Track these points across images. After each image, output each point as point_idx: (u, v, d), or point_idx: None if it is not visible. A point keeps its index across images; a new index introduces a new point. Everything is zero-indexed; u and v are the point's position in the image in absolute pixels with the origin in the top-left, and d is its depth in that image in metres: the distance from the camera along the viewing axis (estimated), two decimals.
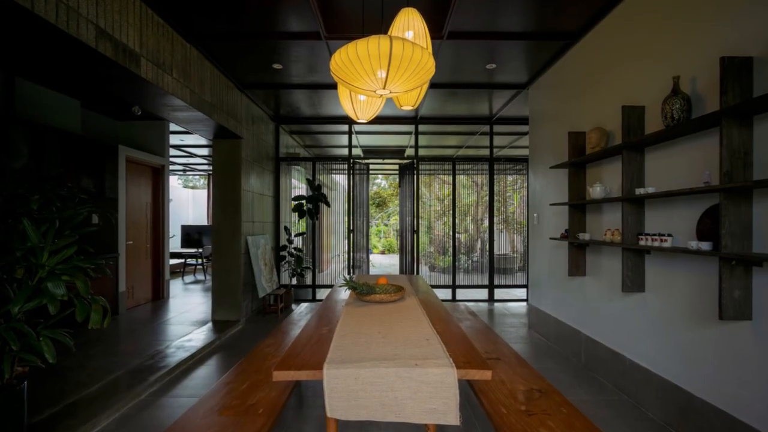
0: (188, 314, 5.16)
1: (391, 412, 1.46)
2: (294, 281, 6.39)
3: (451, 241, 6.50)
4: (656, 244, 2.34)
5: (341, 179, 9.58)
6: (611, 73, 3.01)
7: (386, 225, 18.02)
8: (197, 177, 14.06)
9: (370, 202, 13.30)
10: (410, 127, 6.41)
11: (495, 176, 6.31)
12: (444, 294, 6.43)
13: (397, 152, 8.74)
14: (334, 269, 8.98)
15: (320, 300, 6.28)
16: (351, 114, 2.39)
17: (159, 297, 6.11)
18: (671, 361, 2.40)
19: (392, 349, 1.64)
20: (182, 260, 8.76)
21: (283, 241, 6.31)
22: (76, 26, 2.23)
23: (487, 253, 6.37)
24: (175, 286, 7.38)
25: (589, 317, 3.33)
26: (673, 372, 2.38)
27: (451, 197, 6.46)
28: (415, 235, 6.30)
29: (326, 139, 7.69)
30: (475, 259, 7.21)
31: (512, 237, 8.34)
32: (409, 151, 8.38)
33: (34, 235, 2.11)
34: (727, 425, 1.99)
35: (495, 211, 6.29)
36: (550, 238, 3.89)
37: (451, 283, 6.39)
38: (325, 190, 6.74)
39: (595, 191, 2.99)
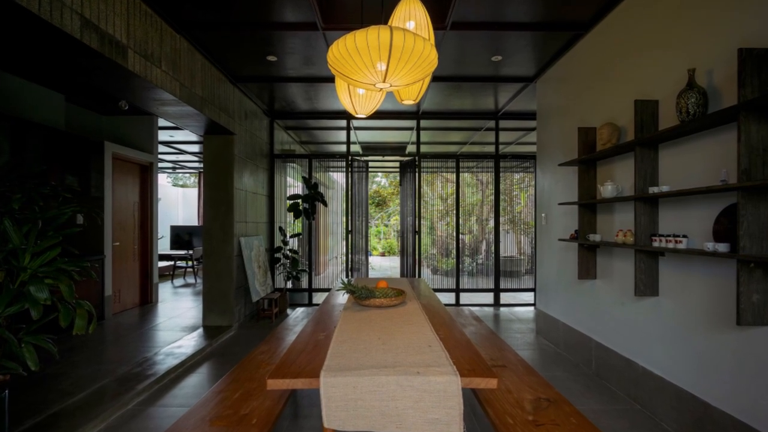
0: (178, 319, 5.16)
1: (392, 423, 1.46)
2: (289, 285, 6.39)
3: (454, 242, 6.50)
4: (671, 245, 2.34)
5: (339, 177, 9.59)
6: (623, 65, 3.01)
7: (386, 225, 18.02)
8: (187, 175, 14.06)
9: (370, 202, 13.31)
10: (412, 123, 6.41)
11: (501, 174, 6.31)
12: (447, 298, 6.43)
13: (397, 149, 8.75)
14: (332, 272, 8.98)
15: (317, 304, 6.28)
16: (349, 109, 2.39)
17: (147, 301, 6.11)
18: (686, 369, 2.40)
19: (393, 356, 1.65)
20: (171, 262, 8.76)
21: (277, 243, 6.31)
22: (60, 16, 2.23)
23: (493, 255, 6.37)
24: (164, 290, 7.38)
25: (600, 323, 3.33)
26: (689, 380, 2.38)
27: (454, 196, 6.46)
28: (416, 236, 6.31)
29: (323, 135, 7.69)
30: (479, 261, 7.21)
31: (519, 238, 8.34)
32: (411, 148, 8.38)
33: (16, 236, 2.12)
34: None
35: (501, 210, 6.29)
36: (559, 240, 3.89)
37: (454, 287, 6.39)
38: (322, 189, 6.74)
39: (606, 190, 2.99)
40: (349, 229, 6.51)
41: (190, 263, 8.75)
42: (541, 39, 3.69)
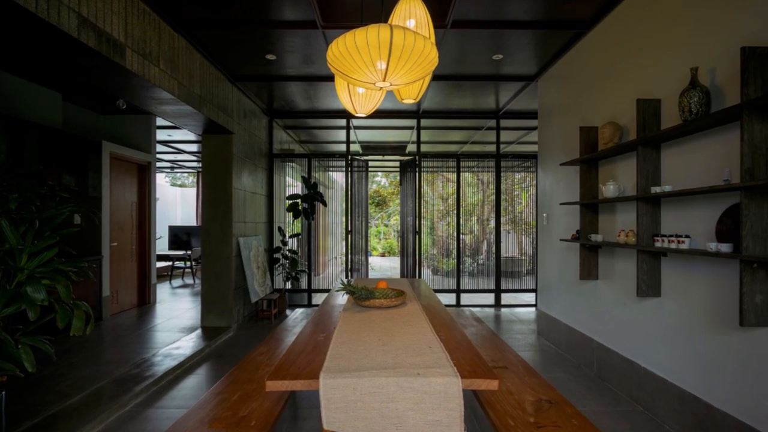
0: (176, 320, 5.16)
1: (392, 425, 1.46)
2: (288, 285, 6.39)
3: (455, 242, 6.50)
4: (673, 245, 2.34)
5: (339, 177, 9.58)
6: (625, 64, 3.01)
7: (386, 226, 18.02)
8: (186, 175, 14.06)
9: (370, 202, 13.30)
10: (412, 122, 6.41)
11: (502, 174, 6.31)
12: (448, 299, 6.44)
13: (397, 148, 8.75)
14: (331, 273, 8.99)
15: (316, 305, 6.28)
16: (349, 108, 2.39)
17: (145, 302, 6.11)
18: (689, 370, 2.40)
19: (393, 358, 1.65)
20: (170, 263, 8.76)
21: (276, 243, 6.31)
22: (57, 14, 2.23)
23: (494, 256, 6.37)
24: (162, 291, 7.38)
25: (602, 323, 3.33)
26: (691, 382, 2.38)
27: (455, 196, 6.46)
28: (417, 237, 6.31)
29: (323, 135, 7.69)
30: (480, 261, 7.21)
31: (520, 238, 8.34)
32: (411, 147, 8.38)
33: (13, 236, 2.12)
34: None
35: (502, 210, 6.29)
36: (561, 240, 3.89)
37: (455, 288, 6.39)
38: (321, 189, 6.74)
39: (608, 190, 2.99)
40: (349, 229, 6.51)
41: (188, 264, 8.75)
42: (543, 37, 3.69)
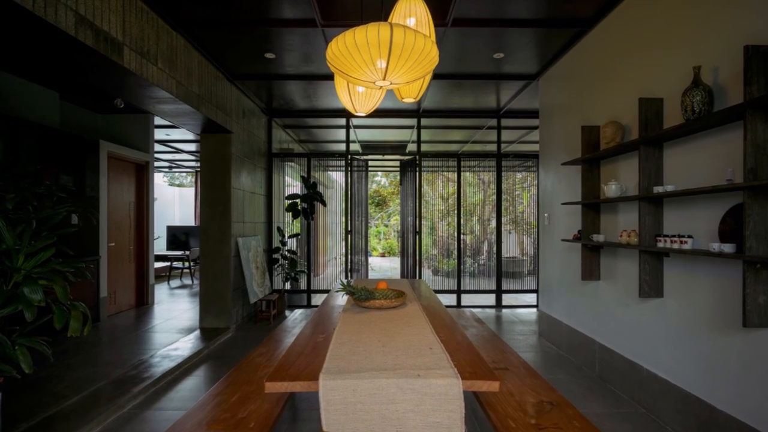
0: (174, 321, 5.16)
1: (392, 426, 1.46)
2: (287, 286, 6.39)
3: (455, 242, 6.50)
4: (675, 246, 2.34)
5: (338, 177, 9.58)
6: (627, 62, 3.01)
7: (386, 226, 18.02)
8: (184, 174, 14.06)
9: (369, 201, 13.31)
10: (412, 121, 6.41)
11: (503, 173, 6.31)
12: (448, 299, 6.43)
13: (398, 148, 8.75)
14: (331, 273, 8.99)
15: (315, 306, 6.28)
16: (349, 107, 2.39)
17: (143, 303, 6.11)
18: (692, 372, 2.40)
19: (393, 359, 1.64)
20: (168, 263, 8.76)
21: (275, 243, 6.31)
22: (54, 13, 2.23)
23: (495, 256, 6.37)
24: (161, 291, 7.38)
25: (604, 324, 3.33)
26: (694, 383, 2.38)
27: (455, 196, 6.46)
28: (417, 237, 6.31)
29: (322, 134, 7.69)
30: (481, 262, 7.21)
31: (521, 239, 8.35)
32: (411, 147, 8.38)
33: (9, 236, 2.12)
34: None
35: (503, 210, 6.29)
36: (562, 240, 3.89)
37: (455, 288, 6.39)
38: (321, 188, 6.74)
39: (610, 189, 2.99)
40: (349, 229, 6.50)
41: (186, 264, 8.74)
42: (544, 36, 3.69)
